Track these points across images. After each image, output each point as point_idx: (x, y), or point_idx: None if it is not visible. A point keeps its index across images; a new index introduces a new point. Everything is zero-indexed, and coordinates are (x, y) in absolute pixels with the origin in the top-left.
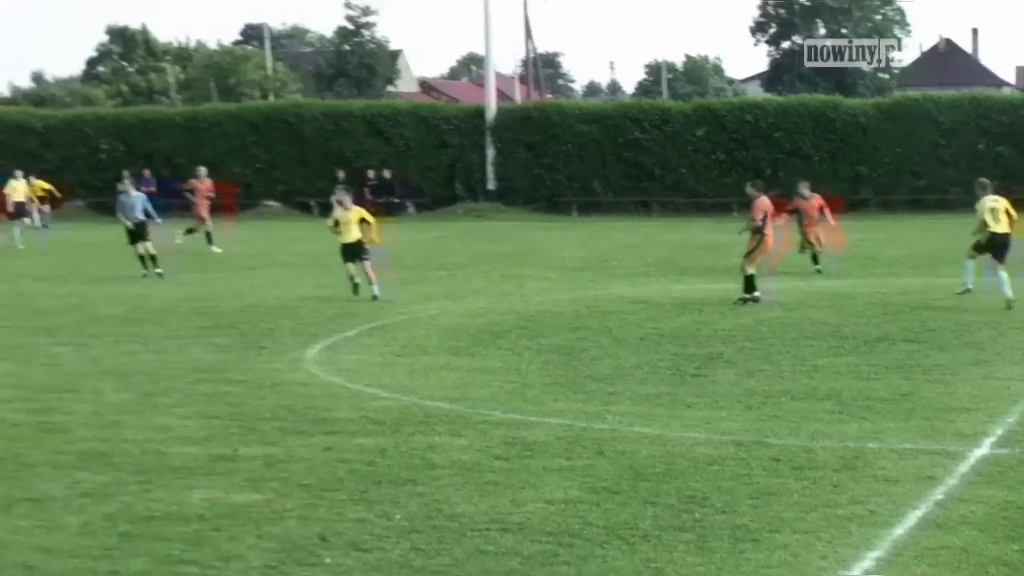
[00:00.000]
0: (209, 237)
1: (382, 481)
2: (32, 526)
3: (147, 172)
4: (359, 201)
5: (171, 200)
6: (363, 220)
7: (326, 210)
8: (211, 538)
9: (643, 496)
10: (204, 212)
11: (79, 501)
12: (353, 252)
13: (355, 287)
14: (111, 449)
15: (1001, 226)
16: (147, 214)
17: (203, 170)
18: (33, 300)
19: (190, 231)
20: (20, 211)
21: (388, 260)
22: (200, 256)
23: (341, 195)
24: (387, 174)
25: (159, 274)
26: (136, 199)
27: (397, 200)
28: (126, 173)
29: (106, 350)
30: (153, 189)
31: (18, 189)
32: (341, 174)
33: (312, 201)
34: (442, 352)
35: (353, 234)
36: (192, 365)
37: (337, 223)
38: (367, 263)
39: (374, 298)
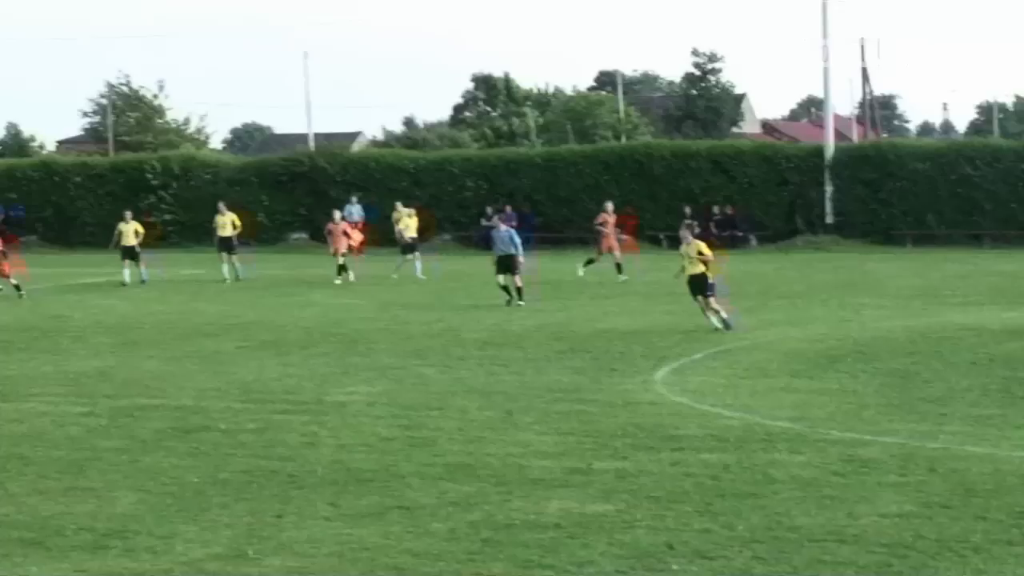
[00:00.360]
0: (619, 267)
1: (726, 494)
2: (403, 532)
3: (508, 208)
4: (705, 235)
5: (529, 234)
6: (700, 252)
7: (673, 243)
8: (566, 545)
9: (974, 511)
10: (612, 243)
11: (445, 509)
12: (698, 286)
13: (722, 322)
14: (475, 462)
15: None
16: (515, 247)
17: (610, 205)
18: (404, 326)
19: (590, 262)
20: (411, 247)
21: (728, 291)
22: (557, 285)
23: (683, 231)
24: (730, 210)
25: (520, 305)
26: (505, 234)
27: (740, 234)
28: (488, 209)
29: (470, 371)
30: (514, 224)
31: (411, 226)
32: (688, 210)
33: (661, 235)
34: (783, 375)
35: (696, 267)
36: (549, 385)
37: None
38: (711, 297)
39: (716, 330)
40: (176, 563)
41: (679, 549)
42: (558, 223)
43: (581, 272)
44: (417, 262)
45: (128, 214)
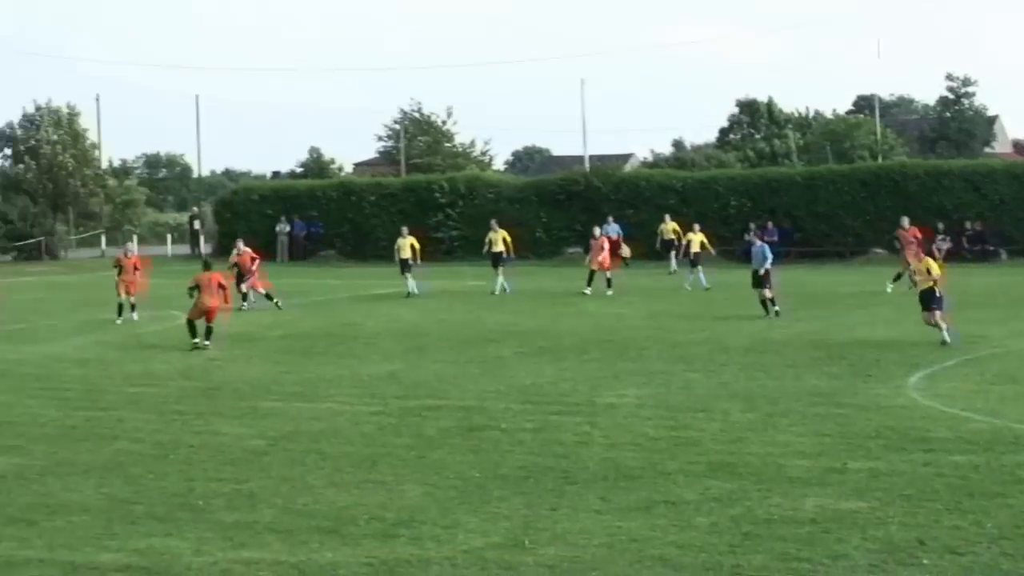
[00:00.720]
0: (899, 277)
1: (974, 493)
2: (668, 524)
3: (770, 224)
4: (956, 250)
5: (785, 248)
6: (928, 270)
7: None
8: (822, 539)
9: None
10: (910, 257)
11: (708, 505)
12: (926, 299)
13: (944, 335)
14: (736, 461)
15: None
16: (765, 260)
17: (906, 220)
18: (671, 334)
19: (898, 276)
20: (696, 260)
21: (953, 306)
22: (815, 296)
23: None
24: (979, 226)
25: (776, 313)
26: (758, 249)
27: (991, 248)
28: (751, 226)
29: (733, 376)
30: (774, 239)
31: (695, 240)
32: (940, 226)
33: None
34: None
35: (926, 282)
36: (807, 390)
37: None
38: (936, 312)
39: (943, 343)
40: (458, 551)
41: (929, 544)
42: (816, 238)
43: (889, 289)
44: (701, 275)
45: (404, 229)
